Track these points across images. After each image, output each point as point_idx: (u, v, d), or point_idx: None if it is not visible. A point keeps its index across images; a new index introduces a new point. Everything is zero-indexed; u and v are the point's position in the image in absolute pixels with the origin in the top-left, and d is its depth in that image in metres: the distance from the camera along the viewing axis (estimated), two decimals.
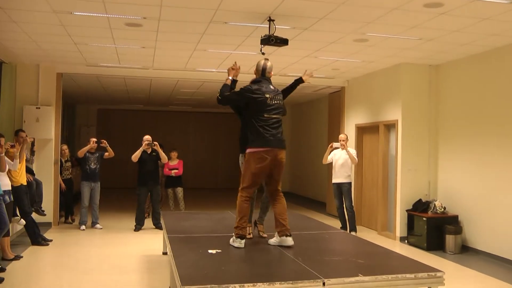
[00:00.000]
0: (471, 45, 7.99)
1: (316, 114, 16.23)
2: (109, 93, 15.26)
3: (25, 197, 8.20)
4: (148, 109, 20.09)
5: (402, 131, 9.69)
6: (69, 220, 11.03)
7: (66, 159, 11.00)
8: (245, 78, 5.56)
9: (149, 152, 10.26)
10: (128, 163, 11.32)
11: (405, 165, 9.69)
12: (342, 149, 9.74)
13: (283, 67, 10.32)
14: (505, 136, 7.99)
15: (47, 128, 10.26)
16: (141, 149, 10.13)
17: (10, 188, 7.55)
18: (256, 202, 5.87)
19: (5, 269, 6.82)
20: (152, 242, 8.99)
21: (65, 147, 10.98)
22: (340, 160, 9.83)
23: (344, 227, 9.88)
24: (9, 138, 8.62)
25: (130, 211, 11.53)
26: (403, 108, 9.70)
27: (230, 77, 5.50)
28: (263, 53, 7.09)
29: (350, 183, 9.93)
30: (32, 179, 8.77)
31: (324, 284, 4.01)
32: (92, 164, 10.27)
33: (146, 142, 10.18)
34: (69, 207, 11.10)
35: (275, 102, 5.30)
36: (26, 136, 8.50)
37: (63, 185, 10.74)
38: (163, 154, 10.32)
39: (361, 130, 11.56)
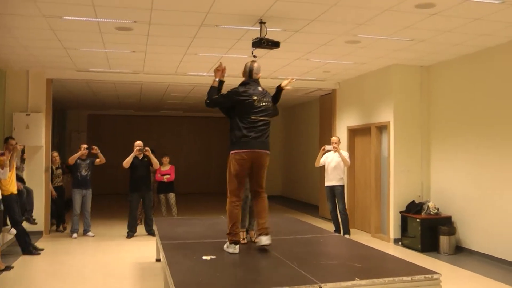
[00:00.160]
0: (462, 46, 8.00)
1: (308, 117, 16.21)
2: (100, 98, 15.17)
3: (16, 206, 8.10)
4: (139, 114, 19.99)
5: (394, 133, 9.67)
6: (61, 228, 10.91)
7: (57, 166, 10.89)
8: (236, 81, 5.51)
9: (140, 158, 10.19)
10: (119, 169, 11.24)
11: (397, 166, 9.67)
12: (335, 151, 9.70)
13: (274, 69, 10.30)
14: (497, 136, 8.00)
15: (37, 135, 10.15)
16: (132, 154, 10.05)
17: (0, 197, 7.45)
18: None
19: None
20: (145, 249, 8.91)
21: (55, 154, 10.87)
22: (333, 162, 9.79)
23: (337, 230, 9.84)
24: None
25: (122, 218, 11.43)
26: (395, 110, 9.69)
27: (217, 79, 5.46)
28: (254, 56, 7.05)
29: (343, 186, 9.89)
30: (22, 187, 8.67)
31: None
32: (83, 171, 10.17)
33: (138, 148, 10.10)
34: (61, 215, 10.97)
35: (263, 104, 5.26)
36: (16, 143, 8.39)
37: (54, 192, 10.62)
38: (155, 159, 10.24)
39: (353, 132, 11.54)
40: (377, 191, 10.40)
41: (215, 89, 5.39)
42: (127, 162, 10.01)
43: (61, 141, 17.57)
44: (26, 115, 10.08)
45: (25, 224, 8.54)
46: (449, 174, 9.18)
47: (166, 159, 11.22)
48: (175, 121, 20.57)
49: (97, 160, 10.38)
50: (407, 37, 7.50)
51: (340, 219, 9.84)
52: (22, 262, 7.95)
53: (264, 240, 5.26)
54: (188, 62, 9.51)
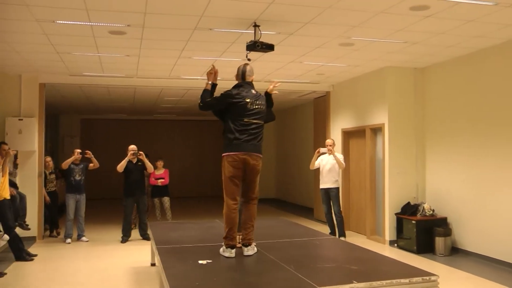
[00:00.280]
0: (456, 47, 8.01)
1: (302, 120, 16.20)
2: (93, 102, 15.11)
3: (9, 211, 8.03)
4: (132, 118, 19.94)
5: (389, 135, 9.68)
6: (54, 233, 10.84)
7: (50, 171, 10.83)
8: (230, 85, 5.50)
9: (134, 162, 10.15)
10: (113, 173, 11.19)
11: (392, 168, 9.68)
12: (329, 154, 9.70)
13: (268, 73, 10.28)
14: (491, 137, 8.01)
15: (30, 139, 10.09)
16: (126, 159, 10.01)
17: None
18: None
19: None
20: (140, 253, 8.86)
21: (49, 159, 10.80)
22: (328, 165, 9.78)
23: (333, 232, 9.83)
24: None
25: (116, 223, 11.38)
26: (389, 112, 9.69)
27: (210, 82, 5.41)
28: (249, 59, 7.03)
29: (338, 188, 9.89)
30: (15, 192, 8.61)
31: None
32: (77, 176, 10.11)
33: (132, 152, 10.06)
34: (54, 220, 10.90)
35: (256, 106, 5.23)
36: (9, 148, 8.34)
37: (47, 198, 10.55)
38: (149, 163, 10.20)
39: (347, 135, 11.54)
40: (372, 193, 10.40)
41: (208, 92, 5.36)
42: (121, 166, 9.97)
43: (54, 146, 17.50)
44: (19, 119, 10.02)
45: (18, 230, 8.46)
46: (444, 175, 9.19)
47: (160, 163, 11.18)
48: (168, 124, 20.54)
49: (91, 164, 10.32)
50: (401, 39, 7.51)
51: (335, 221, 9.84)
52: (15, 269, 7.87)
53: (246, 251, 5.26)
54: (181, 65, 9.49)
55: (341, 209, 9.93)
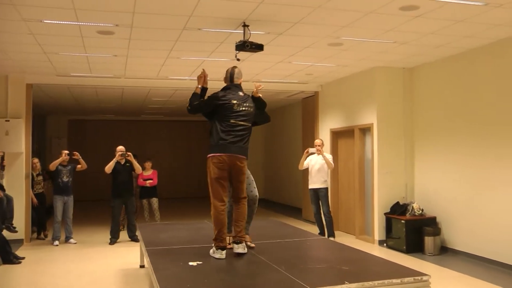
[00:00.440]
0: (445, 47, 8.04)
1: (290, 120, 16.19)
2: (80, 103, 15.00)
3: None
4: (120, 119, 19.84)
5: (378, 135, 9.70)
6: (42, 236, 10.73)
7: (38, 172, 10.70)
8: (218, 85, 5.49)
9: (122, 163, 10.08)
10: (100, 174, 11.10)
11: (381, 168, 9.69)
12: (318, 154, 9.70)
13: (257, 73, 10.26)
14: (480, 136, 8.05)
15: (17, 141, 9.98)
16: (114, 160, 9.93)
17: None
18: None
19: None
20: (129, 255, 8.80)
21: (36, 160, 10.68)
22: (316, 165, 9.78)
23: (322, 232, 9.83)
24: None
25: (104, 224, 11.30)
26: (378, 112, 9.71)
27: (199, 86, 5.43)
28: (238, 59, 7.02)
29: (327, 188, 9.88)
30: (2, 195, 8.50)
31: None
32: (65, 177, 10.02)
33: (119, 153, 9.98)
34: (42, 222, 10.78)
35: (243, 108, 5.22)
36: None
37: (34, 200, 10.43)
38: (137, 164, 10.14)
39: (336, 135, 11.55)
40: (361, 193, 10.42)
41: (197, 96, 5.37)
42: (109, 168, 9.89)
43: (41, 147, 17.34)
44: (6, 121, 9.91)
45: (5, 233, 8.35)
46: (433, 175, 9.22)
47: (148, 164, 11.11)
48: (156, 125, 20.46)
49: (79, 166, 10.24)
50: (390, 39, 7.52)
51: (325, 221, 9.84)
52: (2, 272, 7.78)
53: (236, 248, 5.23)
54: (170, 66, 9.44)
55: (330, 209, 9.93)
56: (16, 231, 8.88)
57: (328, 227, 9.78)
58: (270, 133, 18.29)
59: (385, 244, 9.53)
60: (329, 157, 9.78)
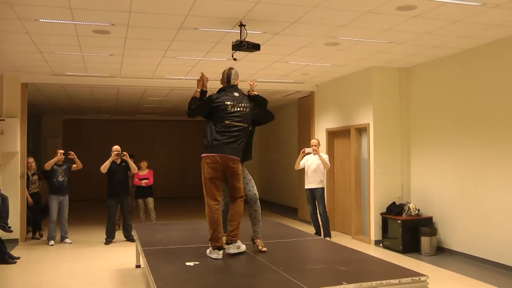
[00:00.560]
0: (441, 48, 8.04)
1: (285, 120, 16.17)
2: (75, 103, 14.95)
3: None
4: (115, 118, 19.78)
5: (374, 135, 9.69)
6: (37, 235, 10.68)
7: (33, 172, 10.66)
8: (214, 85, 5.49)
9: (118, 163, 10.04)
10: (96, 174, 11.05)
11: (377, 168, 9.69)
12: (314, 154, 9.68)
13: (253, 73, 10.24)
14: (476, 137, 8.06)
15: (13, 140, 9.94)
16: (110, 159, 9.89)
17: None
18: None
19: None
20: (124, 255, 8.77)
21: (31, 159, 10.64)
22: (313, 165, 9.77)
23: (318, 232, 9.82)
24: None
25: (100, 224, 11.27)
26: (374, 112, 9.71)
27: (198, 89, 5.45)
28: (234, 59, 7.01)
29: (323, 188, 9.87)
30: None
31: None
32: (60, 177, 9.98)
33: (115, 153, 9.94)
34: (37, 222, 10.73)
35: (238, 109, 5.21)
36: None
37: (30, 199, 10.39)
38: (133, 164, 10.11)
39: (332, 135, 11.54)
40: (357, 193, 10.42)
41: (196, 99, 5.39)
42: (104, 167, 9.86)
43: (36, 147, 17.27)
44: (1, 120, 9.86)
45: (0, 232, 8.32)
46: (429, 175, 9.23)
47: (144, 164, 11.09)
48: (151, 125, 20.42)
49: (74, 165, 10.20)
50: (386, 39, 7.51)
51: (321, 221, 9.83)
52: None
53: (227, 248, 5.22)
54: (166, 65, 9.41)
55: (326, 209, 9.92)
56: (11, 231, 8.83)
57: (324, 227, 9.77)
58: (266, 133, 18.26)
59: (381, 244, 9.53)
60: (325, 157, 9.77)
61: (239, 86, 5.49)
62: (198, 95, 5.40)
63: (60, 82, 10.58)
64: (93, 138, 19.22)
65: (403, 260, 8.16)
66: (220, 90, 5.38)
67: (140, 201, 10.96)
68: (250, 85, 5.57)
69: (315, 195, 9.79)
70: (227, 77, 5.44)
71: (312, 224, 10.11)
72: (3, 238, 8.42)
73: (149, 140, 20.21)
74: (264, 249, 5.45)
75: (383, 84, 9.79)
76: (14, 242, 9.78)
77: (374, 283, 4.13)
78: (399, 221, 9.01)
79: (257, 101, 5.53)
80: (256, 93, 5.54)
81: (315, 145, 9.68)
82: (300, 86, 12.04)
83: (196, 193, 19.05)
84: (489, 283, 6.82)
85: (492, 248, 7.74)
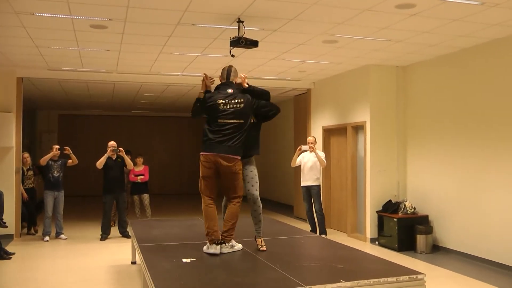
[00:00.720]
0: (439, 46, 8.04)
1: (282, 117, 16.00)
2: (71, 98, 14.88)
3: None
4: (111, 114, 19.72)
5: (371, 132, 9.69)
6: (32, 231, 10.65)
7: (28, 167, 10.61)
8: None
9: (114, 159, 10.00)
10: (91, 170, 11.00)
11: (374, 166, 9.69)
12: (311, 151, 9.67)
13: (249, 69, 10.22)
14: (473, 135, 8.06)
15: (8, 135, 9.89)
16: (106, 155, 9.85)
17: None
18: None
19: None
20: (120, 251, 8.75)
21: (26, 155, 10.58)
22: (309, 162, 9.75)
23: (313, 230, 9.82)
24: None
25: (95, 220, 11.23)
26: (371, 110, 9.70)
27: (202, 91, 5.41)
28: (232, 56, 6.99)
29: (319, 186, 9.86)
30: None
31: None
32: (55, 172, 9.94)
33: (111, 148, 9.90)
34: (32, 217, 10.68)
35: (230, 106, 5.17)
36: None
37: (25, 195, 10.33)
38: (129, 160, 10.07)
39: (329, 132, 11.53)
40: (353, 190, 10.41)
41: (200, 100, 5.37)
42: (100, 163, 9.82)
43: (31, 142, 17.20)
44: None
45: None
46: (425, 173, 9.23)
47: (140, 160, 11.05)
48: (147, 121, 20.38)
49: (69, 161, 10.16)
50: (385, 37, 7.50)
51: (317, 219, 9.83)
52: None
53: (221, 247, 5.19)
54: (162, 61, 9.38)
55: (322, 207, 9.91)
56: (6, 226, 8.79)
57: (320, 225, 9.77)
58: (262, 130, 18.17)
59: (377, 242, 9.53)
60: (322, 154, 9.76)
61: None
62: (202, 96, 5.35)
63: (56, 77, 10.52)
64: (89, 133, 19.17)
65: (398, 258, 8.16)
66: (215, 88, 5.38)
67: (136, 197, 10.93)
68: (241, 78, 5.49)
69: (311, 192, 9.78)
70: (226, 74, 5.42)
71: (308, 221, 10.11)
72: None
73: (145, 136, 20.17)
74: (263, 248, 5.42)
75: (380, 82, 9.78)
76: (9, 237, 9.74)
77: (371, 281, 4.13)
78: (395, 219, 9.02)
79: (255, 94, 5.41)
80: (247, 85, 5.43)
81: (311, 143, 9.67)
82: (297, 83, 12.03)
83: (192, 189, 19.18)
84: (485, 281, 6.83)
85: (488, 247, 7.76)
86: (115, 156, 9.98)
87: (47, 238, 9.87)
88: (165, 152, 20.52)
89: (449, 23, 6.63)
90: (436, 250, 8.78)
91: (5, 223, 8.73)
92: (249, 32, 6.78)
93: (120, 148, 9.96)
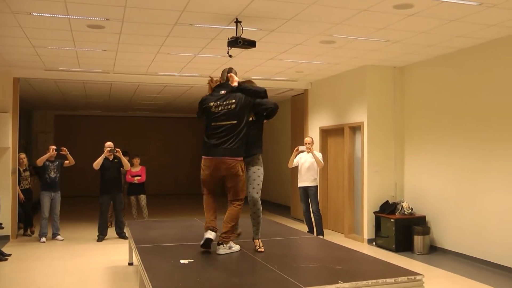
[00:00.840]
0: (437, 47, 8.04)
1: (279, 117, 15.96)
2: (68, 98, 14.84)
3: None
4: (108, 114, 19.67)
5: (368, 133, 9.68)
6: (28, 232, 10.60)
7: (25, 168, 10.57)
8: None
9: (111, 159, 9.96)
10: (88, 171, 10.96)
11: (371, 167, 9.69)
12: (308, 152, 9.65)
13: (246, 70, 10.21)
14: (471, 136, 8.07)
15: (4, 136, 9.86)
16: (103, 156, 9.81)
17: None
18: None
19: None
20: (117, 252, 8.72)
21: (23, 155, 10.55)
22: (306, 163, 9.73)
23: (311, 231, 9.80)
24: None
25: (92, 221, 11.20)
26: (369, 110, 9.70)
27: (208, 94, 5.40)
28: (230, 56, 6.97)
29: (316, 187, 9.84)
30: None
31: None
32: (52, 173, 9.90)
33: (108, 149, 9.87)
34: (28, 218, 10.64)
35: (221, 108, 5.13)
36: None
37: (21, 195, 10.30)
38: (126, 160, 10.05)
39: (326, 133, 11.53)
40: (351, 191, 10.41)
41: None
42: (97, 164, 9.78)
43: (27, 143, 17.15)
44: None
45: None
46: (422, 174, 9.23)
47: (136, 160, 11.01)
48: (144, 121, 20.35)
49: (66, 161, 10.12)
50: (382, 37, 7.50)
51: (314, 220, 9.80)
52: None
53: (218, 249, 5.19)
54: (160, 61, 9.35)
55: (320, 208, 9.90)
56: (2, 228, 8.79)
57: (317, 226, 9.75)
58: None
59: (374, 243, 9.53)
60: (319, 155, 9.74)
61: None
62: None
63: (53, 77, 10.49)
64: (86, 134, 19.13)
65: (396, 258, 8.16)
66: (214, 89, 5.35)
67: (133, 198, 10.89)
68: (231, 77, 5.34)
69: (308, 193, 9.76)
70: (225, 76, 5.39)
71: (305, 222, 10.09)
72: None
73: (142, 136, 20.14)
74: (261, 249, 5.37)
75: (378, 83, 9.78)
76: (5, 239, 9.72)
77: (370, 282, 4.11)
78: (392, 220, 9.01)
79: (248, 93, 5.22)
80: (237, 84, 5.24)
81: (308, 143, 9.64)
82: (294, 84, 12.02)
83: (189, 190, 19.19)
84: (482, 282, 6.84)
85: (485, 248, 7.76)
86: (112, 156, 9.95)
87: (43, 239, 9.83)
88: (162, 153, 20.48)
89: (446, 23, 6.63)
90: (434, 251, 8.77)
91: (1, 224, 8.71)
92: (247, 32, 6.76)
93: (117, 149, 9.92)
